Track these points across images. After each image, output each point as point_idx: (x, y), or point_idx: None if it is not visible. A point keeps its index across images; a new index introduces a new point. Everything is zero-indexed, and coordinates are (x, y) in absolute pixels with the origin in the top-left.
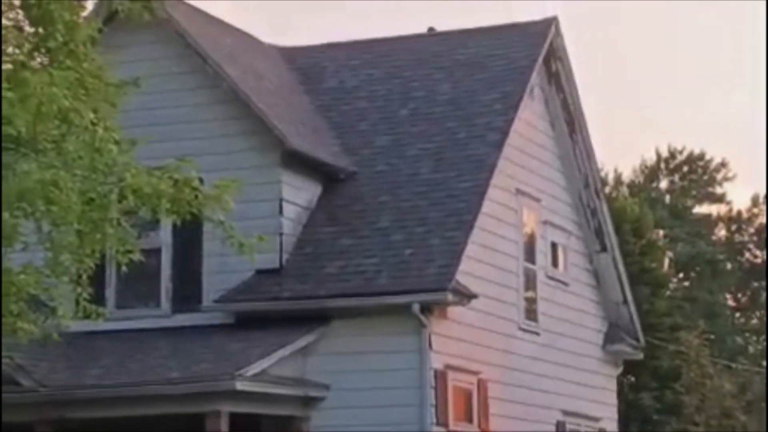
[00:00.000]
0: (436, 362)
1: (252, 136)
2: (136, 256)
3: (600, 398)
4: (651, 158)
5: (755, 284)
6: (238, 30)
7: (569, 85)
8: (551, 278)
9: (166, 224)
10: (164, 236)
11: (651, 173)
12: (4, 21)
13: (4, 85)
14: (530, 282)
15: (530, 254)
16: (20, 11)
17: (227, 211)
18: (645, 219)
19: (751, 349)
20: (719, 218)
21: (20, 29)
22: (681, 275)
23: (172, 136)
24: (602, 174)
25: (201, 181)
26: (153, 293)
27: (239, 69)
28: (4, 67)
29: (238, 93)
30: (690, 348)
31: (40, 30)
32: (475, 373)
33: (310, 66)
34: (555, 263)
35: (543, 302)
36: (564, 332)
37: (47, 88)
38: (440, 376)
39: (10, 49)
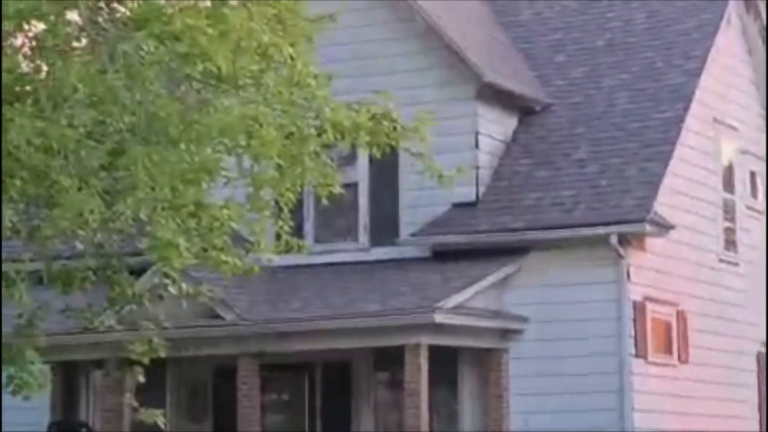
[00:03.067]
0: (635, 294)
1: (447, 70)
2: (336, 189)
3: None
4: None
5: None
6: None
7: (767, 13)
8: (750, 208)
9: (363, 159)
10: (361, 171)
11: None
12: None
13: (205, 21)
14: (729, 212)
15: (729, 184)
16: None
17: (425, 144)
18: None
19: None
20: None
21: None
22: None
23: (366, 71)
24: None
25: None
26: (351, 227)
27: (433, 2)
28: (204, 4)
29: (432, 26)
30: None
31: None
32: (673, 304)
33: None
34: (754, 193)
35: (742, 232)
36: (764, 263)
37: (246, 24)
38: (639, 308)
39: None
